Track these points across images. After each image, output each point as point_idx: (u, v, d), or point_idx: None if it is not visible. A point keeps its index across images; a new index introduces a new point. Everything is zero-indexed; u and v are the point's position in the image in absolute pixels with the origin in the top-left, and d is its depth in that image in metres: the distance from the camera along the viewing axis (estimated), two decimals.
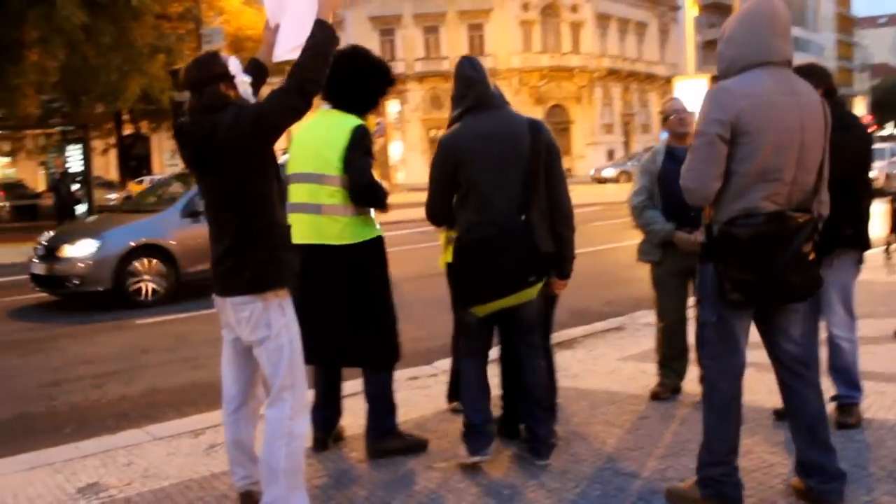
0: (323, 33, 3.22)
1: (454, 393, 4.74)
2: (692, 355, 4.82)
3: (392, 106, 42.33)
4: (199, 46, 19.73)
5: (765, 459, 3.98)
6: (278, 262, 3.29)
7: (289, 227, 3.41)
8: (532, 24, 53.06)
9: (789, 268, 3.12)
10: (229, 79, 3.29)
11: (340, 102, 4.11)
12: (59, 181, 19.30)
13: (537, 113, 44.49)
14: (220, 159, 3.25)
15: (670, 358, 5.03)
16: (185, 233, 10.44)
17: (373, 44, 52.47)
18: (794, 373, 3.37)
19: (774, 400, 3.94)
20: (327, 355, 4.13)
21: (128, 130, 31.83)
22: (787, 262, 3.11)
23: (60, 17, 16.42)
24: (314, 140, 4.07)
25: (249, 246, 3.26)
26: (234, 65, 3.32)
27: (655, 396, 4.95)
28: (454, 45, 51.07)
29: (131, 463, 4.46)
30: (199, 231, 9.16)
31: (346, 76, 4.05)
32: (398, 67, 52.40)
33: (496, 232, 3.75)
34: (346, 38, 55.90)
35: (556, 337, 3.71)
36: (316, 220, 3.99)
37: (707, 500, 3.33)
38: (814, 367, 3.49)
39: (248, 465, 3.59)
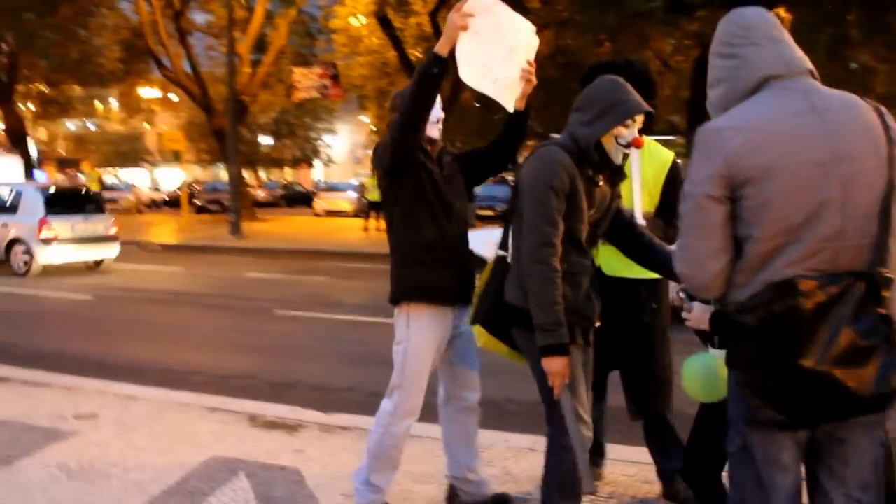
0: (424, 64, 3.34)
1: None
2: None
3: None
4: None
5: None
6: (403, 278, 3.60)
7: (442, 245, 3.56)
8: None
9: (834, 362, 1.99)
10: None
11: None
12: None
13: None
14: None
15: None
16: None
17: None
18: None
19: None
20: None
21: None
22: (829, 355, 1.99)
23: None
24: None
25: (391, 260, 3.69)
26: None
27: None
28: None
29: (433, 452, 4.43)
30: None
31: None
32: None
33: None
34: None
35: None
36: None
37: None
38: None
39: (450, 460, 3.86)
